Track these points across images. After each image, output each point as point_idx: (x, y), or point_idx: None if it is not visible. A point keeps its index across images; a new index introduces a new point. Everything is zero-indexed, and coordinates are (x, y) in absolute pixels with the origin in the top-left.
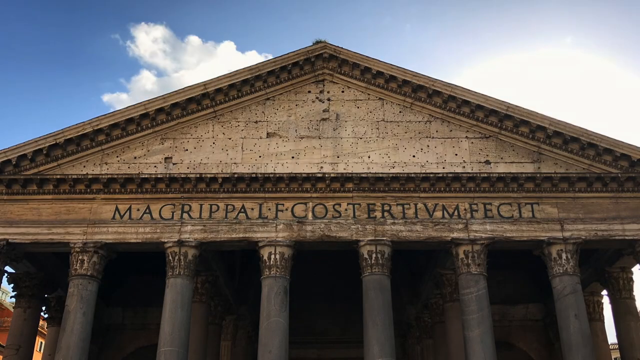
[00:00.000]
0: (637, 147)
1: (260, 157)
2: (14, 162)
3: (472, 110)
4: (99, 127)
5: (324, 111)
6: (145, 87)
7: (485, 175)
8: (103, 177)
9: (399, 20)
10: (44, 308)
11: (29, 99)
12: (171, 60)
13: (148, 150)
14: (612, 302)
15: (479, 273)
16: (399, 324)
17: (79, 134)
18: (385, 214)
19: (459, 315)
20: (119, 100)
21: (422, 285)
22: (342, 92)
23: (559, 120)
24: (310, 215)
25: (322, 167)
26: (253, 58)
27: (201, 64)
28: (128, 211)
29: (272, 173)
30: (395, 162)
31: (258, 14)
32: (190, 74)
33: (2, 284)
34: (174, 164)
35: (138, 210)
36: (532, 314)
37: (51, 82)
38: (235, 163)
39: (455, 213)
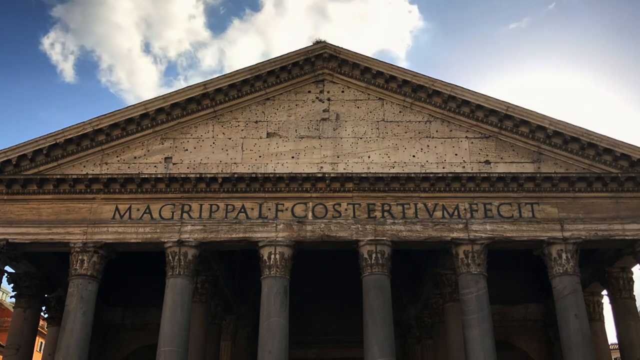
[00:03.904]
0: (637, 147)
1: (260, 157)
2: (14, 162)
3: (472, 110)
4: (99, 127)
5: (324, 111)
6: None
7: (485, 175)
8: (103, 177)
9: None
10: (44, 308)
11: None
12: None
13: (148, 150)
14: (612, 302)
15: (479, 273)
16: (399, 324)
17: (79, 134)
18: (385, 214)
19: (459, 315)
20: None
21: (422, 285)
22: (342, 92)
23: (559, 120)
24: (310, 215)
25: (322, 167)
26: None
27: None
28: (128, 211)
29: (272, 173)
30: (395, 162)
31: None
32: None
33: (2, 284)
34: (174, 164)
35: (138, 210)
36: (532, 314)
37: None
38: (235, 163)
39: (455, 213)
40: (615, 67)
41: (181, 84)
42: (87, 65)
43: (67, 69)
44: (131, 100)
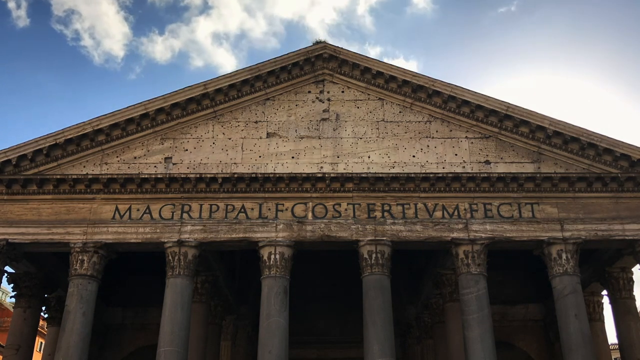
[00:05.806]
0: (637, 147)
1: (260, 157)
2: (14, 162)
3: (472, 110)
4: (99, 127)
5: (324, 111)
6: None
7: (485, 175)
8: (103, 177)
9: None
10: (44, 308)
11: None
12: None
13: (148, 150)
14: (612, 302)
15: (479, 273)
16: (399, 324)
17: (79, 134)
18: (385, 214)
19: (459, 315)
20: None
21: (422, 285)
22: (342, 92)
23: (559, 120)
24: (310, 215)
25: (322, 167)
26: None
27: None
28: (128, 211)
29: (272, 173)
30: (395, 162)
31: None
32: None
33: (2, 284)
34: (174, 164)
35: (138, 210)
36: (532, 314)
37: None
38: (235, 163)
39: (455, 213)
40: (608, 56)
41: (156, 37)
42: (42, 10)
43: (22, 16)
44: (95, 56)
